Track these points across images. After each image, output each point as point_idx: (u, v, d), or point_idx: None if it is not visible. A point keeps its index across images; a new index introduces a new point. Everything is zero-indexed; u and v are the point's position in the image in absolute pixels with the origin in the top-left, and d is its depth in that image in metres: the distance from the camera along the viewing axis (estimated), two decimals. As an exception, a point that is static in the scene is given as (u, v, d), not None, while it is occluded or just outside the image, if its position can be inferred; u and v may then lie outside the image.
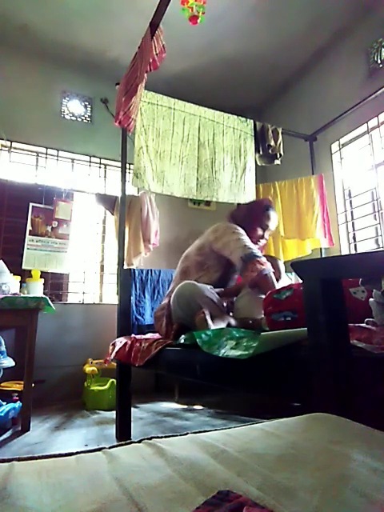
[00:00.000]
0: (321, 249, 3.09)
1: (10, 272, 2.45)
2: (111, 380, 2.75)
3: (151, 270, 2.39)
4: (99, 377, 2.87)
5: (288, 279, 2.64)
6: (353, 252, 3.11)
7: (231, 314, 1.77)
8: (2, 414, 2.10)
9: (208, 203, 3.88)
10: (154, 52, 1.84)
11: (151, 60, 1.83)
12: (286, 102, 3.87)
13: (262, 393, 1.21)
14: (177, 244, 3.61)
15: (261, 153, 2.87)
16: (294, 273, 0.86)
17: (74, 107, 3.50)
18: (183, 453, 0.46)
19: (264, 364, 0.97)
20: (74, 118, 3.49)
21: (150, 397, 2.99)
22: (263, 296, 1.56)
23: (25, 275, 2.83)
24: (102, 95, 3.57)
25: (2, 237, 3.01)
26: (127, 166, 2.37)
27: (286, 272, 2.67)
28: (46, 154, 3.33)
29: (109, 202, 3.20)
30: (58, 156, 3.37)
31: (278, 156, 2.92)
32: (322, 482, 0.37)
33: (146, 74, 1.86)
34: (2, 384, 2.49)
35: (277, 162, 2.96)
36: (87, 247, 3.44)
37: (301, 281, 0.85)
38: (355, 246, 3.14)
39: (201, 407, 2.73)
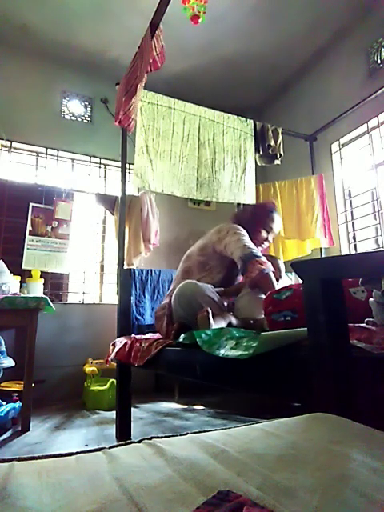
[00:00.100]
0: (321, 249, 3.09)
1: (10, 272, 2.45)
2: (111, 380, 2.75)
3: (151, 270, 2.39)
4: (99, 377, 2.87)
5: (288, 279, 2.64)
6: (353, 252, 3.11)
7: (232, 313, 1.76)
8: (2, 414, 2.10)
9: (208, 203, 3.88)
10: (155, 52, 1.84)
11: (151, 60, 1.84)
12: (285, 102, 3.87)
13: (262, 393, 1.21)
14: (177, 244, 3.61)
15: (261, 153, 2.87)
16: (293, 273, 0.86)
17: (74, 107, 3.50)
18: (183, 453, 0.46)
19: (264, 364, 0.97)
20: (73, 118, 3.49)
21: (150, 397, 2.99)
22: (263, 296, 1.57)
23: (25, 275, 2.83)
24: (102, 95, 3.57)
25: (2, 237, 3.01)
26: (127, 165, 2.37)
27: (286, 272, 2.68)
28: (46, 154, 3.33)
29: (109, 202, 3.20)
30: (57, 156, 3.37)
31: (278, 156, 2.92)
32: (322, 482, 0.37)
33: (146, 74, 1.86)
34: (2, 384, 2.49)
35: (277, 162, 2.96)
36: (87, 247, 3.44)
37: (301, 281, 0.85)
38: (355, 245, 3.14)
39: (201, 407, 2.73)
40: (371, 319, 0.95)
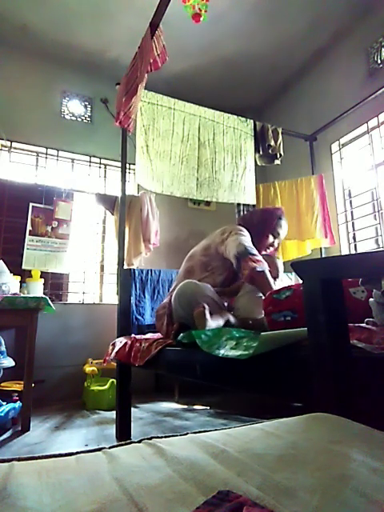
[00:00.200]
0: (321, 249, 3.09)
1: (10, 272, 2.45)
2: (111, 380, 2.75)
3: (151, 270, 2.39)
4: (99, 377, 2.87)
5: (288, 279, 2.64)
6: (353, 252, 3.11)
7: (232, 313, 1.76)
8: (2, 414, 2.10)
9: (208, 203, 3.88)
10: (155, 52, 1.84)
11: (152, 60, 1.84)
12: (285, 102, 3.87)
13: (262, 393, 1.21)
14: (177, 244, 3.61)
15: (261, 153, 2.87)
16: (293, 273, 0.86)
17: (74, 107, 3.50)
18: (183, 453, 0.46)
19: (264, 364, 0.97)
20: (73, 118, 3.49)
21: (150, 397, 2.99)
22: (262, 295, 1.56)
23: (25, 275, 2.83)
24: (102, 95, 3.57)
25: (2, 237, 3.01)
26: (127, 165, 2.37)
27: (285, 272, 2.68)
28: (46, 154, 3.33)
29: (109, 202, 3.20)
30: (57, 156, 3.37)
31: (278, 156, 2.92)
32: (322, 482, 0.37)
33: (146, 74, 1.86)
34: (2, 384, 2.49)
35: (277, 162, 2.96)
36: (87, 247, 3.44)
37: (301, 281, 0.85)
38: (355, 245, 3.14)
39: (201, 407, 2.73)
40: (371, 319, 0.95)
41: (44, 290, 2.88)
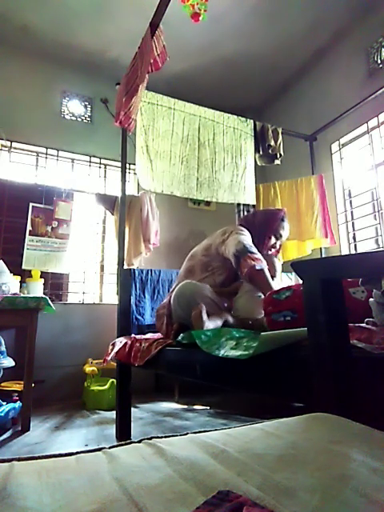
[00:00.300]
0: (321, 249, 3.09)
1: (10, 272, 2.45)
2: (111, 380, 2.75)
3: (151, 270, 2.39)
4: (99, 377, 2.87)
5: (288, 279, 2.64)
6: (353, 252, 3.11)
7: (232, 313, 1.76)
8: (2, 414, 2.10)
9: (208, 203, 3.88)
10: (155, 52, 1.84)
11: (152, 61, 1.83)
12: (285, 102, 3.87)
13: (262, 393, 1.21)
14: (177, 244, 3.61)
15: (261, 153, 2.87)
16: (293, 273, 0.86)
17: (74, 107, 3.50)
18: (183, 453, 0.46)
19: (264, 364, 0.97)
20: (73, 118, 3.49)
21: (150, 397, 2.99)
22: (261, 294, 1.56)
23: (25, 275, 2.83)
24: (102, 95, 3.57)
25: (2, 237, 3.01)
26: (127, 165, 2.37)
27: (285, 272, 2.68)
28: (46, 153, 3.33)
29: (109, 202, 3.20)
30: (57, 156, 3.37)
31: (278, 156, 2.92)
32: (322, 482, 0.37)
33: (147, 75, 1.86)
34: (2, 384, 2.49)
35: (277, 161, 2.96)
36: (87, 247, 3.44)
37: (301, 281, 0.85)
38: (355, 246, 3.14)
39: (201, 407, 2.73)
40: (371, 319, 0.95)
41: (44, 290, 2.88)
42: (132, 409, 2.15)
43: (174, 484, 0.38)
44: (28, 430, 2.15)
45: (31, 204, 3.09)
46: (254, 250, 1.68)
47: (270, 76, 3.67)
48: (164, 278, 2.43)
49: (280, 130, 2.96)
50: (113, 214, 3.18)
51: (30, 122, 3.26)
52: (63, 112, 3.46)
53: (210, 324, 1.45)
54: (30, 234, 3.04)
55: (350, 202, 3.19)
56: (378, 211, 2.92)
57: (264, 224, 1.90)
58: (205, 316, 1.45)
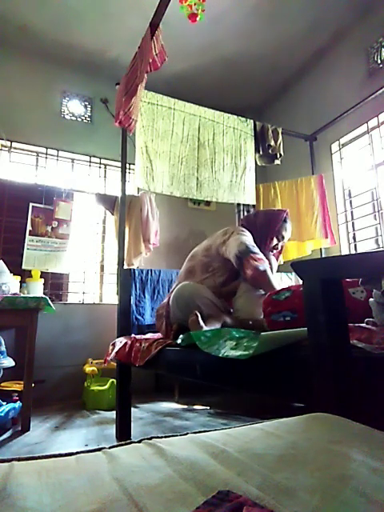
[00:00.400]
0: (321, 249, 3.09)
1: (10, 272, 2.45)
2: (111, 380, 2.75)
3: (151, 270, 2.39)
4: (99, 377, 2.87)
5: (288, 279, 2.64)
6: (353, 252, 3.11)
7: (232, 313, 1.76)
8: (2, 414, 2.10)
9: (208, 203, 3.88)
10: (154, 52, 1.84)
11: (151, 60, 1.83)
12: (285, 102, 3.87)
13: (262, 393, 1.21)
14: (177, 244, 3.61)
15: (261, 153, 2.87)
16: (293, 273, 0.86)
17: (74, 107, 3.50)
18: (183, 453, 0.46)
19: (264, 364, 0.97)
20: (73, 118, 3.49)
21: (150, 397, 2.99)
22: (262, 292, 1.56)
23: (25, 275, 2.83)
24: (102, 95, 3.57)
25: (2, 237, 3.01)
26: (127, 165, 2.37)
27: (285, 272, 2.68)
28: (46, 154, 3.33)
29: (109, 202, 3.20)
30: (57, 156, 3.37)
31: (278, 156, 2.92)
32: (322, 482, 0.37)
33: (146, 75, 1.86)
34: (2, 384, 2.49)
35: (277, 161, 2.96)
36: (87, 247, 3.44)
37: (301, 281, 0.85)
38: (355, 246, 3.14)
39: (201, 407, 2.73)
40: (371, 319, 0.95)
41: (44, 290, 2.88)
42: (132, 409, 2.15)
43: (174, 484, 0.38)
44: (28, 429, 2.15)
45: (31, 204, 3.09)
46: (257, 250, 1.67)
47: (270, 76, 3.67)
48: (164, 278, 2.43)
49: (280, 130, 2.96)
50: (113, 214, 3.18)
51: (30, 122, 3.26)
52: (63, 112, 3.46)
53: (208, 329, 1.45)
54: (30, 234, 3.04)
55: (350, 202, 3.19)
56: (378, 211, 2.92)
57: (266, 225, 1.89)
58: (201, 322, 1.44)
